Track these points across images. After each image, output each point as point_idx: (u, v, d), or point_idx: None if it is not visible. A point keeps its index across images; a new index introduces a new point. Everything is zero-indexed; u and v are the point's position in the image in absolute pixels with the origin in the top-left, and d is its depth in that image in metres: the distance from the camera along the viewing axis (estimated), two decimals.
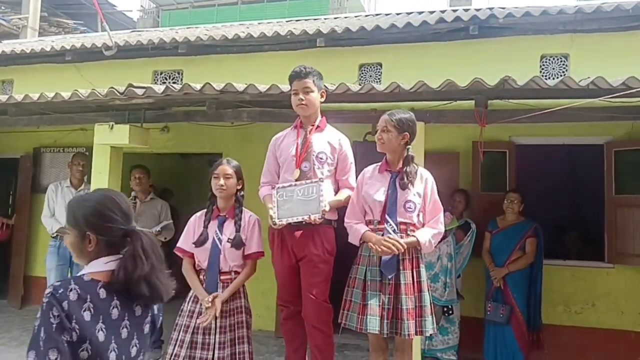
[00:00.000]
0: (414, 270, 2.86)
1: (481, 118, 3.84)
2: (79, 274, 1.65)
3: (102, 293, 1.60)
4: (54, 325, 1.51)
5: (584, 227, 7.02)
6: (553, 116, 3.67)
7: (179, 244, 3.33)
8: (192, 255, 3.27)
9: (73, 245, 1.70)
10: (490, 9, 5.88)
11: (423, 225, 2.95)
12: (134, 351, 1.70)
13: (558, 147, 6.01)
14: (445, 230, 4.83)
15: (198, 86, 4.06)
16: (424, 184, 2.93)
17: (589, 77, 3.49)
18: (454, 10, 6.17)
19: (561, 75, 5.44)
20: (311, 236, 3.06)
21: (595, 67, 4.97)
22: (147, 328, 1.78)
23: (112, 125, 4.50)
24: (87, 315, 1.55)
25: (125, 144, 4.54)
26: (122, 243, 1.66)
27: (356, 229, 2.99)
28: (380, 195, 2.90)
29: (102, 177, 4.62)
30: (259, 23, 7.90)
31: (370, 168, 3.08)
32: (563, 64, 5.51)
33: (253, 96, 4.05)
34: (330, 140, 3.19)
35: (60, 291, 1.53)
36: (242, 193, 3.32)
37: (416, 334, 2.85)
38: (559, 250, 6.04)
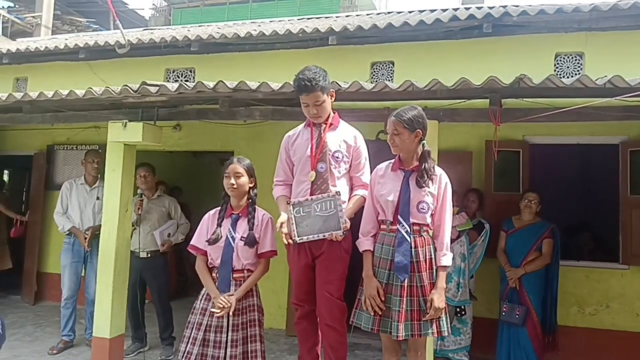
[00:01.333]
0: (428, 271, 2.83)
1: (495, 117, 3.80)
2: None
3: None
4: None
5: (597, 227, 6.95)
6: (569, 115, 3.62)
7: (192, 242, 3.34)
8: (205, 253, 3.28)
9: None
10: (504, 6, 5.81)
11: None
12: None
13: (572, 147, 5.95)
14: (459, 231, 4.85)
15: (211, 84, 4.05)
16: (437, 184, 2.89)
17: (605, 76, 3.44)
18: (467, 9, 6.11)
19: (576, 74, 5.38)
20: None
21: (611, 66, 4.91)
22: None
23: (126, 123, 4.51)
24: None
25: (139, 142, 4.55)
26: None
27: (361, 243, 3.00)
28: (393, 196, 2.86)
29: (115, 174, 4.63)
30: (271, 21, 7.89)
31: (382, 166, 3.04)
32: (578, 63, 5.45)
33: (266, 94, 4.04)
34: (345, 138, 3.15)
35: None
36: (255, 191, 3.32)
37: (432, 334, 2.83)
38: (572, 251, 5.98)
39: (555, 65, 5.48)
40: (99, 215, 4.99)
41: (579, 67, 5.44)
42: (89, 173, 5.31)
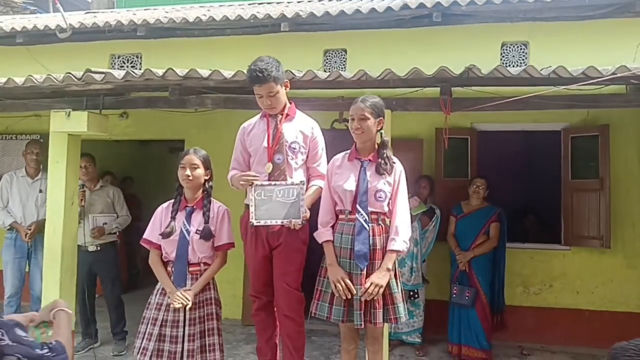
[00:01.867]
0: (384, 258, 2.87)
1: (446, 106, 3.88)
2: None
3: None
4: None
5: (541, 210, 7.27)
6: (516, 104, 3.74)
7: (145, 236, 3.24)
8: (159, 247, 3.20)
9: None
10: None
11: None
12: None
13: (517, 133, 6.18)
14: (413, 215, 4.95)
15: (160, 72, 3.93)
16: (393, 173, 2.93)
17: (550, 66, 3.58)
18: None
19: (521, 62, 5.56)
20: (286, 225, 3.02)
21: (554, 55, 5.12)
22: None
23: (70, 112, 4.31)
24: None
25: (84, 132, 4.37)
26: None
27: (320, 234, 2.98)
28: (351, 185, 2.88)
29: (59, 166, 4.43)
30: (220, 5, 7.69)
31: (339, 156, 3.05)
32: (523, 52, 5.63)
33: (218, 82, 3.95)
34: (302, 128, 3.13)
35: None
36: (210, 183, 3.26)
37: (389, 321, 2.89)
38: (517, 233, 6.24)
39: (501, 53, 5.64)
40: (42, 208, 4.77)
41: (524, 56, 5.62)
42: (29, 165, 5.04)
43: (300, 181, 2.99)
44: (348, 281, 2.79)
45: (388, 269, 2.82)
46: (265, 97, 3.01)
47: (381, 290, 2.77)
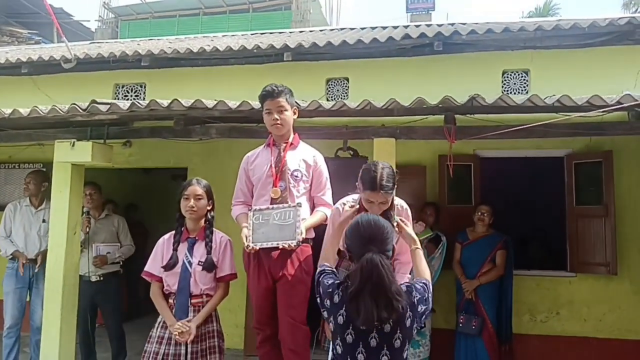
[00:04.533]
0: None
1: (450, 134, 3.89)
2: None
3: None
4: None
5: (545, 237, 7.22)
6: (520, 132, 3.75)
7: (146, 268, 3.20)
8: (160, 280, 3.16)
9: None
10: (452, 24, 6.01)
11: None
12: None
13: (520, 160, 6.18)
14: (420, 239, 4.91)
15: (165, 102, 3.95)
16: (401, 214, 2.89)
17: (554, 95, 3.60)
18: (417, 26, 6.29)
19: (522, 90, 5.61)
20: (288, 256, 3.00)
21: (555, 83, 5.17)
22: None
23: (74, 142, 4.32)
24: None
25: (88, 162, 4.38)
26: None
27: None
28: None
29: (62, 196, 4.42)
30: (223, 35, 7.82)
31: (348, 205, 2.98)
32: (524, 79, 5.68)
33: (223, 112, 3.98)
34: (304, 157, 3.15)
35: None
36: (212, 214, 3.24)
37: None
38: (523, 260, 6.18)
39: (502, 81, 5.69)
40: (45, 238, 4.74)
41: (525, 83, 5.67)
42: (33, 194, 5.03)
43: (297, 203, 3.00)
44: None
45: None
46: (275, 112, 3.06)
47: None
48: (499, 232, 4.96)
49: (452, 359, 4.92)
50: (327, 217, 3.08)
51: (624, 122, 3.93)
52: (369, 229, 2.19)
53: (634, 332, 5.16)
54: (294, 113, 3.19)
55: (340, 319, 2.14)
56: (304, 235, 2.96)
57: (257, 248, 2.97)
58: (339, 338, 2.16)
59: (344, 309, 2.13)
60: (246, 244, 2.98)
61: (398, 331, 2.13)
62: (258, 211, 3.01)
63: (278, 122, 3.07)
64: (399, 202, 2.94)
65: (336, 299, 2.16)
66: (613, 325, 5.22)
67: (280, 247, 2.95)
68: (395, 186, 2.74)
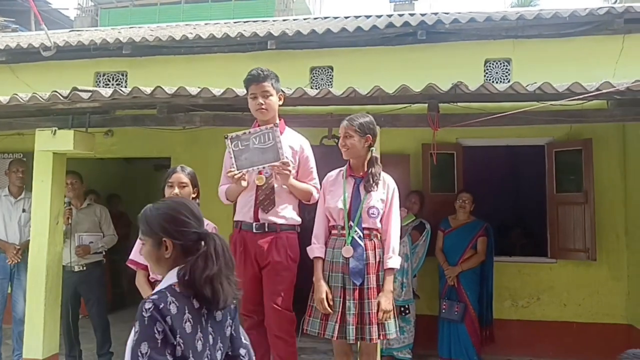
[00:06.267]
0: (377, 274, 2.88)
1: (434, 122, 3.92)
2: (166, 285, 1.62)
3: (196, 302, 1.62)
4: (159, 341, 1.52)
5: (527, 224, 7.33)
6: (502, 120, 3.79)
7: (131, 256, 3.17)
8: (145, 268, 3.12)
9: (150, 255, 1.73)
10: (435, 13, 6.03)
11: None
12: (219, 355, 1.72)
13: (502, 148, 6.26)
14: (402, 226, 4.96)
15: (148, 90, 3.91)
16: (386, 189, 2.95)
17: (535, 82, 3.65)
18: (400, 15, 6.29)
19: (504, 79, 5.67)
20: (274, 243, 3.01)
21: (536, 71, 5.23)
22: (228, 331, 1.80)
23: (55, 130, 4.26)
24: (187, 327, 1.57)
25: (70, 150, 4.32)
26: (196, 247, 1.69)
27: (312, 249, 3.03)
28: (342, 203, 2.90)
29: (44, 185, 4.37)
30: (206, 24, 7.73)
31: (333, 173, 3.08)
32: (506, 68, 5.74)
33: (207, 100, 3.95)
34: (291, 143, 3.14)
35: (161, 305, 1.53)
36: (197, 201, 3.22)
37: (380, 337, 2.88)
38: (505, 247, 6.28)
39: (485, 70, 5.74)
40: (26, 228, 4.68)
41: (507, 72, 5.72)
42: (13, 184, 4.94)
43: (275, 124, 3.01)
44: (326, 304, 2.84)
45: (390, 291, 2.88)
46: (260, 96, 3.05)
47: (391, 313, 2.86)
48: (479, 219, 5.03)
49: (435, 345, 5.00)
50: (311, 193, 3.11)
51: (604, 110, 4.00)
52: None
53: (611, 315, 5.29)
54: (280, 99, 3.17)
55: None
56: (287, 155, 2.99)
57: (244, 172, 2.98)
58: None
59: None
60: (232, 172, 2.98)
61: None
62: (235, 138, 3.00)
63: (263, 106, 3.05)
64: (388, 178, 2.99)
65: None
66: (592, 310, 5.35)
67: (268, 168, 2.97)
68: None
